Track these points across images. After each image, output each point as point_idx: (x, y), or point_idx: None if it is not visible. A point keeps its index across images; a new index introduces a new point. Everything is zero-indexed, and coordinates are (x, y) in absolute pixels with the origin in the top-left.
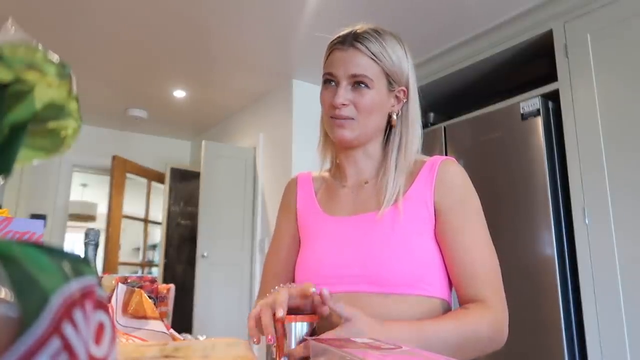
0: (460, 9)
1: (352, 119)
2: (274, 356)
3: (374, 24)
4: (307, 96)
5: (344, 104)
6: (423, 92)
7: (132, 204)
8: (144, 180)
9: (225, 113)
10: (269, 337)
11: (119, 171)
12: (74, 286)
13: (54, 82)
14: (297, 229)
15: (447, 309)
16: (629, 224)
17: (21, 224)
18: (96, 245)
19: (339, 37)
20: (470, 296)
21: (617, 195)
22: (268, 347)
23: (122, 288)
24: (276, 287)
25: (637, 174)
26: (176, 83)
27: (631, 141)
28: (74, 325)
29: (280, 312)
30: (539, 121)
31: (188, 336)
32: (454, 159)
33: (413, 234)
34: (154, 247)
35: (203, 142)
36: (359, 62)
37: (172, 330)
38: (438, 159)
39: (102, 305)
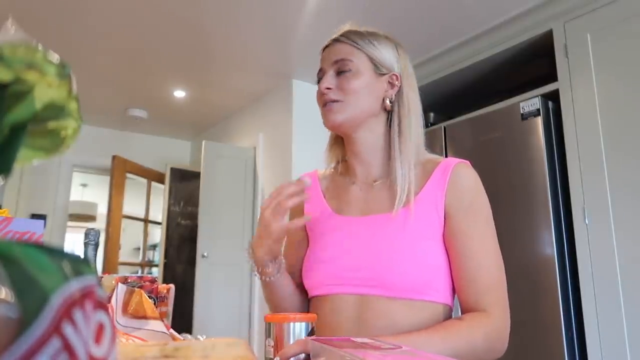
0: (460, 9)
1: (340, 101)
2: (272, 356)
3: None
4: (307, 96)
5: (328, 88)
6: (423, 92)
7: (132, 204)
8: (144, 180)
9: (225, 113)
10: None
11: (119, 171)
12: (74, 286)
13: (54, 82)
14: (304, 229)
15: (448, 315)
16: (629, 224)
17: (21, 224)
18: (96, 245)
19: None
20: (471, 303)
21: (617, 196)
22: (266, 348)
23: (122, 288)
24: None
25: (637, 174)
26: (176, 83)
27: (631, 141)
28: (74, 325)
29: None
30: (539, 121)
31: (188, 336)
32: (468, 163)
33: (423, 239)
34: (154, 247)
35: (203, 142)
36: (341, 50)
37: (172, 330)
38: (453, 161)
39: (102, 305)
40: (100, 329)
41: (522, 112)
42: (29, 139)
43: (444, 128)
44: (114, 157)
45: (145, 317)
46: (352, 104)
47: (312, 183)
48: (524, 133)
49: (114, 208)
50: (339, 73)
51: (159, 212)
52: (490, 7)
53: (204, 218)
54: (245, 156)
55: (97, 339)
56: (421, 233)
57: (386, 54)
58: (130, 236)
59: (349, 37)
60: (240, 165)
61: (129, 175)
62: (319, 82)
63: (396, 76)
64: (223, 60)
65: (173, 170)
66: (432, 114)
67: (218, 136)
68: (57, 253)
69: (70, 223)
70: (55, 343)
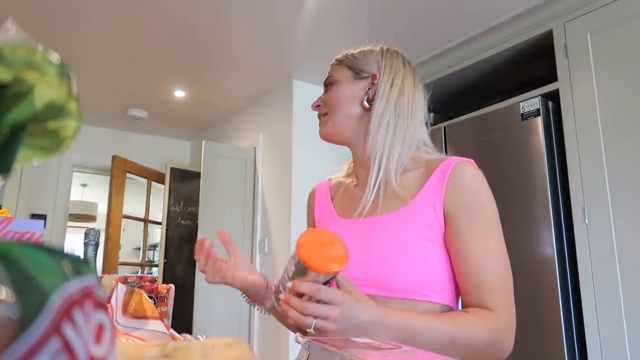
0: (460, 9)
1: (327, 113)
2: (290, 274)
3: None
4: (307, 96)
5: (317, 105)
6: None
7: (132, 204)
8: (144, 180)
9: (225, 113)
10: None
11: (119, 171)
12: (74, 286)
13: (54, 82)
14: None
15: None
16: (629, 224)
17: (21, 224)
18: (96, 245)
19: None
20: (475, 305)
21: (617, 195)
22: (281, 281)
23: (122, 288)
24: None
25: (637, 173)
26: (176, 83)
27: (631, 141)
28: (74, 325)
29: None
30: (539, 121)
31: (188, 336)
32: (471, 161)
33: (421, 239)
34: (154, 247)
35: (203, 142)
36: (329, 72)
37: (172, 331)
38: (453, 160)
39: (102, 305)
40: (100, 329)
41: (522, 112)
42: (29, 139)
43: (444, 128)
44: (114, 157)
45: (145, 317)
46: (336, 112)
47: (322, 190)
48: (524, 133)
49: (114, 208)
50: (326, 90)
51: (159, 212)
52: (490, 7)
53: (204, 218)
54: (245, 156)
55: (97, 339)
56: (418, 234)
57: (366, 59)
58: (130, 236)
59: (336, 59)
60: (240, 165)
61: (129, 175)
62: None
63: (374, 75)
64: (223, 60)
65: (173, 170)
66: (432, 114)
67: (218, 136)
68: (57, 253)
69: (70, 223)
70: (55, 343)
